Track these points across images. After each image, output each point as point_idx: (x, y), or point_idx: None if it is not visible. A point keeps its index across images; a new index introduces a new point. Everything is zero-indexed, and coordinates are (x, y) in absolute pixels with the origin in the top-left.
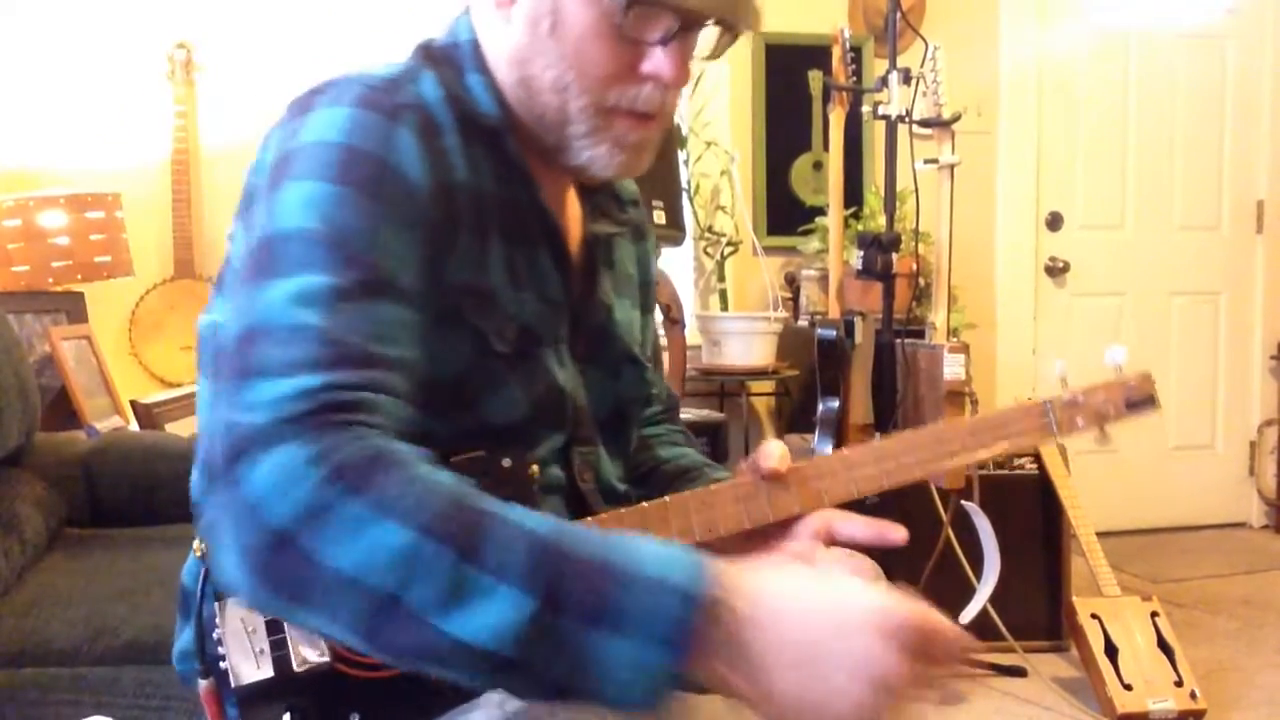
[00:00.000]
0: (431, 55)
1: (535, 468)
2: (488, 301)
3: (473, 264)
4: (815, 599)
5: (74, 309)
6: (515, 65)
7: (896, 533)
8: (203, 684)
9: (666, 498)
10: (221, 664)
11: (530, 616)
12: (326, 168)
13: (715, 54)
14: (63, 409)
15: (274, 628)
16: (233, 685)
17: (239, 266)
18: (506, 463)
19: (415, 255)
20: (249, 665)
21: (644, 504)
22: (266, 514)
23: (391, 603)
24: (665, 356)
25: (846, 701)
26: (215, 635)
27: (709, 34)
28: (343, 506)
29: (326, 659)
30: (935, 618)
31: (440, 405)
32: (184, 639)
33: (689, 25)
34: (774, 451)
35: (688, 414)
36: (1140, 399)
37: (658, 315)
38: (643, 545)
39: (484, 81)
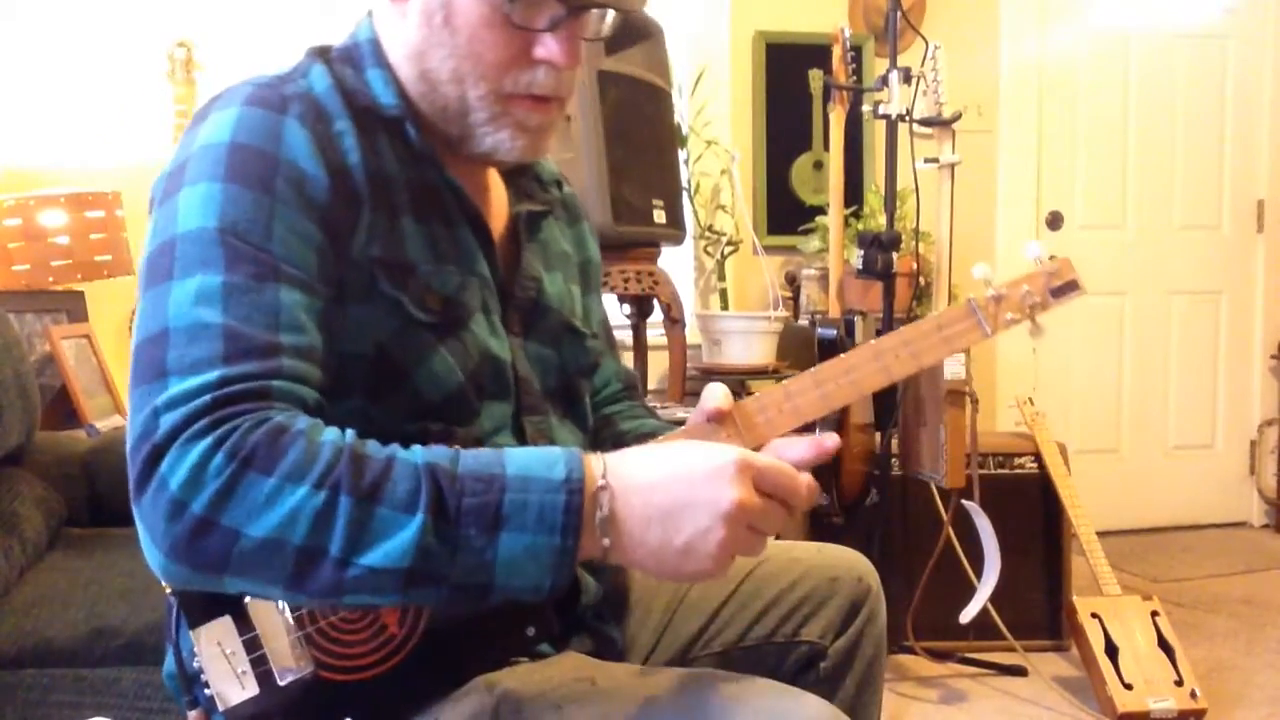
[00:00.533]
0: (324, 54)
1: None
2: (406, 273)
3: (383, 239)
4: (668, 464)
5: (74, 308)
6: (414, 60)
7: (830, 440)
8: (192, 715)
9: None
10: (206, 690)
11: (431, 533)
12: (216, 167)
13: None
14: (63, 408)
15: (252, 645)
16: (221, 709)
17: (142, 274)
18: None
19: (314, 239)
20: (233, 688)
21: None
22: (187, 506)
23: (311, 554)
24: (665, 355)
25: (711, 540)
26: (195, 665)
27: (602, 12)
28: (253, 485)
29: (310, 669)
30: (769, 458)
31: (374, 384)
32: (170, 662)
33: (575, 10)
34: (716, 393)
35: (687, 413)
36: (1063, 284)
37: (657, 314)
38: (523, 451)
39: (384, 76)
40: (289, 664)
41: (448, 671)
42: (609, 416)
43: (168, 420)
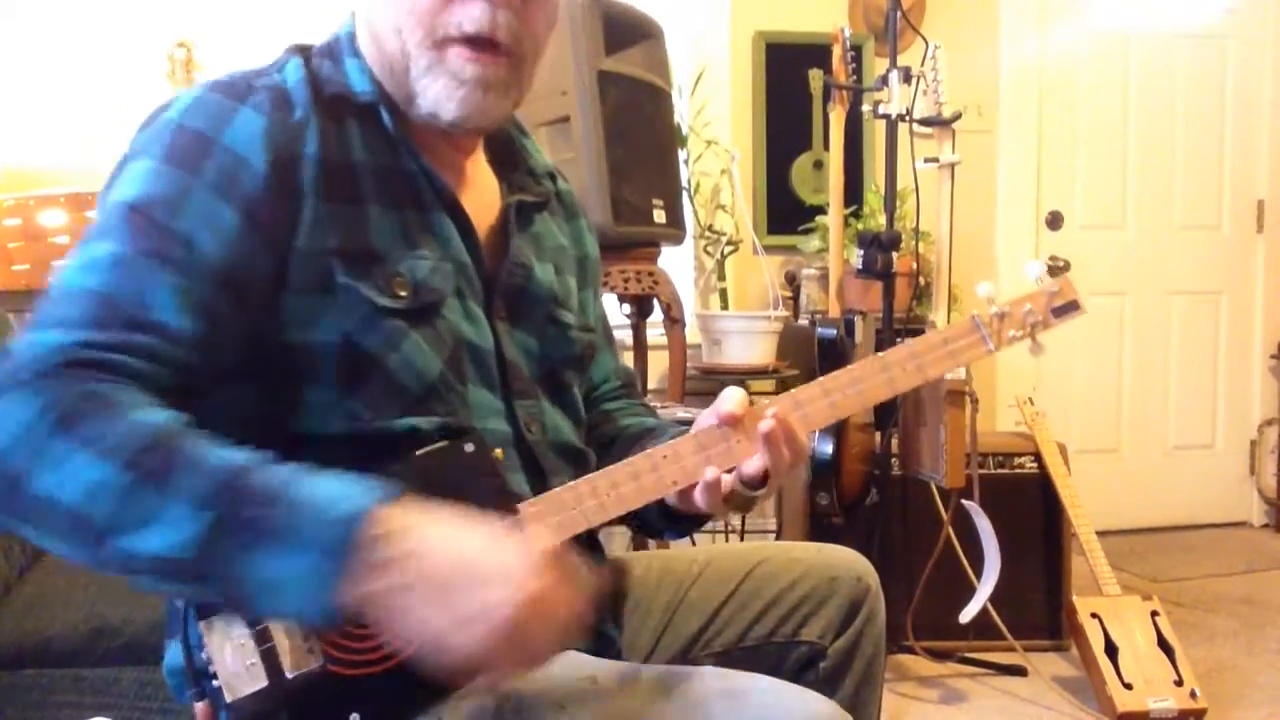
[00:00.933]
0: (304, 50)
1: (499, 452)
2: (371, 261)
3: (341, 229)
4: (464, 547)
5: None
6: (369, 28)
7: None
8: (198, 706)
9: (632, 457)
10: (214, 682)
11: (204, 534)
12: (156, 145)
13: None
14: None
15: (262, 638)
16: (228, 701)
17: None
18: (469, 448)
19: (231, 228)
20: (241, 679)
21: (610, 467)
22: None
23: (78, 521)
24: (665, 355)
25: (468, 637)
26: (204, 655)
27: None
28: (49, 442)
29: (319, 662)
30: (561, 592)
31: (344, 374)
32: (173, 656)
33: None
34: (732, 396)
35: (687, 413)
36: (1064, 304)
37: (657, 313)
38: (325, 479)
39: (359, 65)
40: (298, 657)
41: None
42: (608, 414)
43: (8, 366)
